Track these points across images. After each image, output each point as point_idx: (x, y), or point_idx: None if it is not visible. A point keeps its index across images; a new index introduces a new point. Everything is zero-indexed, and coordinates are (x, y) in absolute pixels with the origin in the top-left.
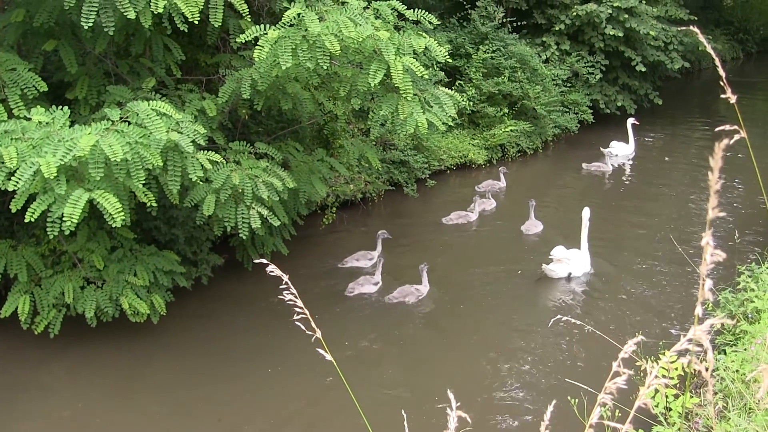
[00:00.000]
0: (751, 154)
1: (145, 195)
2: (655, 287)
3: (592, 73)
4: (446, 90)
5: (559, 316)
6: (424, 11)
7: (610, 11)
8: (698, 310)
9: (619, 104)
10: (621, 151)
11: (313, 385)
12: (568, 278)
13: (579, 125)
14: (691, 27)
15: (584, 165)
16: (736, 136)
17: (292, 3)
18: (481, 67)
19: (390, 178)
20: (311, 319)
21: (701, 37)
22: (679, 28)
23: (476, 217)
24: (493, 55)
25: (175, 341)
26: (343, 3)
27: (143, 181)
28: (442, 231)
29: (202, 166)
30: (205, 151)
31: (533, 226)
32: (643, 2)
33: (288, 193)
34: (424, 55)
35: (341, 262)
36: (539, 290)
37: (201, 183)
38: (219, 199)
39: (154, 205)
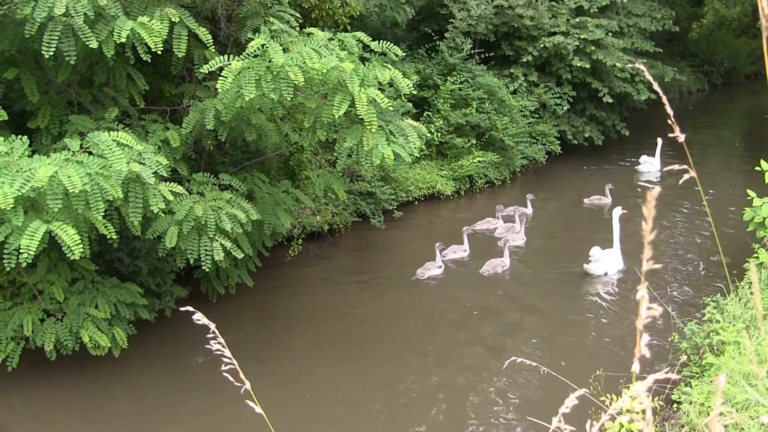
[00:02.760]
0: (701, 192)
1: (105, 227)
2: (622, 319)
3: (560, 104)
4: (411, 122)
5: (513, 358)
6: (389, 43)
7: (577, 43)
8: (635, 367)
9: (586, 135)
10: (652, 167)
11: (283, 423)
12: (605, 276)
13: (547, 156)
14: (637, 64)
15: (585, 200)
16: (686, 176)
17: (257, 34)
18: (449, 98)
19: (357, 210)
20: (240, 371)
21: (647, 74)
22: (644, 60)
23: (523, 239)
24: (461, 86)
25: (137, 375)
26: (308, 34)
27: (103, 213)
28: (410, 262)
29: (164, 197)
30: (168, 183)
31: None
32: (610, 35)
33: (252, 224)
34: (391, 86)
35: (442, 256)
36: (500, 330)
37: (163, 214)
38: (182, 231)
39: (115, 237)
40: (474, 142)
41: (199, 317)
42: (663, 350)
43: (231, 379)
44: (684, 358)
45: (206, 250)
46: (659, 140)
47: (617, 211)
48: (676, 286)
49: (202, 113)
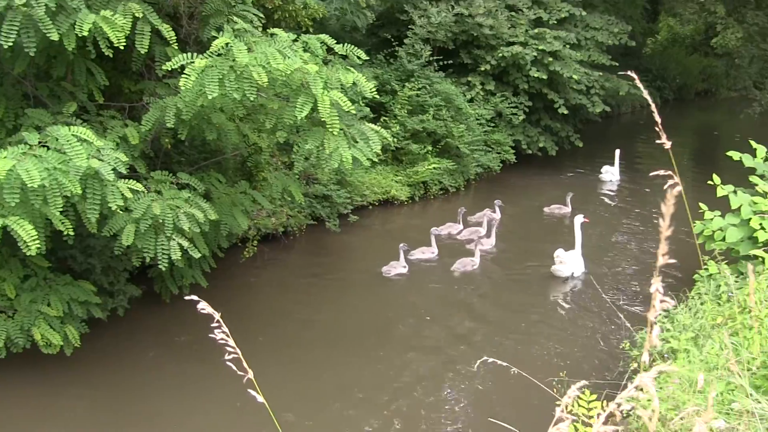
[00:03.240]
0: (683, 196)
1: (62, 223)
2: (571, 325)
3: (516, 114)
4: (372, 126)
5: (485, 358)
6: (352, 46)
7: (535, 54)
8: (645, 357)
9: (541, 145)
10: (613, 176)
11: (232, 424)
12: (571, 277)
13: (501, 165)
14: (630, 72)
15: (545, 209)
16: (670, 182)
17: (221, 32)
18: (406, 104)
19: (312, 213)
20: (243, 360)
21: (638, 83)
22: (600, 73)
23: (492, 246)
24: (418, 92)
25: (88, 375)
26: (271, 35)
27: (61, 209)
28: (367, 265)
29: (122, 194)
30: (126, 180)
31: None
32: (567, 47)
33: (209, 224)
34: (351, 90)
35: (410, 254)
36: (466, 330)
37: (121, 212)
38: (139, 229)
39: (71, 233)
40: (430, 148)
41: (204, 306)
42: (615, 357)
43: (234, 368)
44: (634, 365)
45: (163, 249)
46: (617, 151)
47: (579, 219)
48: (628, 294)
49: (162, 111)
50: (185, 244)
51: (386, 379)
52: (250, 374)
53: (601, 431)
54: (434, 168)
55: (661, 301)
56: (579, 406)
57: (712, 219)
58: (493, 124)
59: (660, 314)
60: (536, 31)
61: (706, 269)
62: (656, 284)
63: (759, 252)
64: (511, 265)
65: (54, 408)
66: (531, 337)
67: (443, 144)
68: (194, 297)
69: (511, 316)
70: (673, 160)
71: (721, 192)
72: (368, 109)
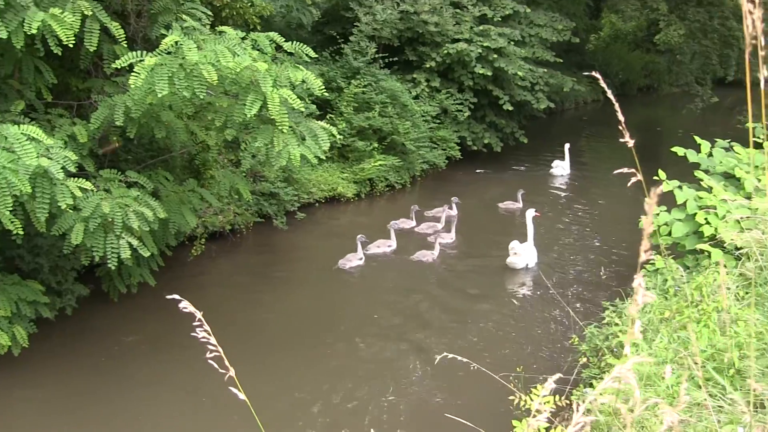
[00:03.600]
0: (646, 194)
1: (12, 222)
2: (526, 318)
3: (461, 111)
4: (321, 123)
5: (445, 354)
6: (301, 44)
7: (480, 51)
8: (627, 350)
9: (486, 141)
10: (564, 170)
11: (187, 424)
12: (526, 268)
13: (447, 161)
14: (594, 73)
15: (500, 205)
16: (633, 179)
17: (170, 30)
18: (352, 102)
19: (259, 210)
20: (224, 357)
21: (603, 84)
22: (544, 70)
23: (453, 238)
24: (364, 89)
25: (37, 375)
26: (220, 33)
27: (10, 208)
28: (315, 262)
29: (71, 193)
30: (75, 178)
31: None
32: (512, 43)
33: (158, 223)
34: (299, 87)
35: (366, 249)
36: (424, 324)
37: (70, 211)
38: (88, 228)
39: (21, 233)
40: (376, 145)
41: (186, 305)
42: (567, 350)
43: (216, 366)
44: (584, 359)
45: (112, 247)
46: (566, 145)
47: (530, 213)
48: (577, 288)
49: (111, 109)
50: (135, 242)
51: (341, 374)
52: (232, 372)
53: (580, 422)
54: (380, 165)
55: (644, 296)
56: (531, 400)
57: (658, 214)
58: (438, 121)
59: (609, 309)
60: (481, 28)
61: (653, 264)
62: (638, 279)
63: (705, 246)
64: (467, 258)
65: (2, 411)
66: (489, 331)
67: (389, 141)
68: (176, 296)
69: (468, 309)
70: (636, 157)
71: (666, 187)
72: (314, 106)
